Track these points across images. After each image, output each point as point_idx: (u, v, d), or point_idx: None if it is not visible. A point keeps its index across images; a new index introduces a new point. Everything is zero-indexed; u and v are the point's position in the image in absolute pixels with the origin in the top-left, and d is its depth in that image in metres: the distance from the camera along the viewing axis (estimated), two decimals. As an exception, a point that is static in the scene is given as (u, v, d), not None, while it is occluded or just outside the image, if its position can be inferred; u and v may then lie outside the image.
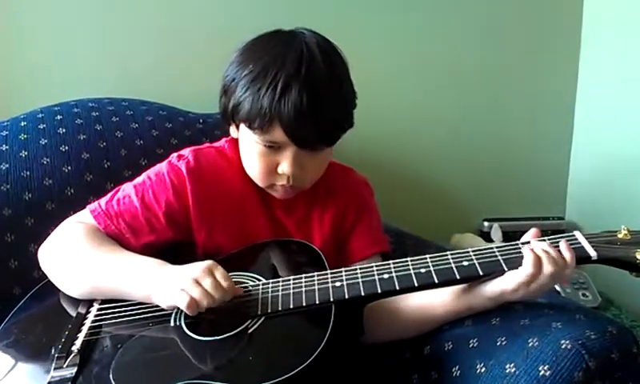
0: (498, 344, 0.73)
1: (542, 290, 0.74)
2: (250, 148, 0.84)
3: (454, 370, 0.76)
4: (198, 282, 0.70)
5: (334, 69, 0.82)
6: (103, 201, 0.86)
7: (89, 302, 0.79)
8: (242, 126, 0.83)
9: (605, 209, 1.56)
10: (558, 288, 1.35)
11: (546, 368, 0.67)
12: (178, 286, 0.71)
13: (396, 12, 1.44)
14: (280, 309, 0.72)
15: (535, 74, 1.61)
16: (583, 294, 1.37)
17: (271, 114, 0.77)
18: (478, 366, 0.73)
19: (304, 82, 0.77)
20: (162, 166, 0.88)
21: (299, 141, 0.79)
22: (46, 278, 0.84)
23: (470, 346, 0.76)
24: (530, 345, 0.70)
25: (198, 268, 0.72)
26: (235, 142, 0.90)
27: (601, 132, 1.60)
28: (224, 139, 0.93)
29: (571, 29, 1.60)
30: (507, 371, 0.69)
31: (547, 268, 0.72)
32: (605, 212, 1.56)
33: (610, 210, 1.53)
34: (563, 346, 0.68)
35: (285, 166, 0.81)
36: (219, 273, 0.72)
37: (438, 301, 0.80)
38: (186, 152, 0.89)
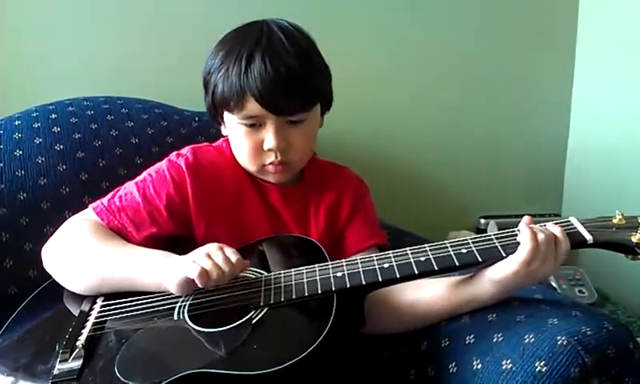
0: (495, 340, 0.73)
1: (542, 271, 0.73)
2: (236, 133, 0.86)
3: (450, 366, 0.76)
4: (209, 255, 0.73)
5: (294, 38, 0.85)
6: (105, 199, 0.87)
7: (92, 300, 0.80)
8: (225, 114, 0.87)
9: (601, 205, 1.56)
10: (554, 284, 1.35)
11: (542, 364, 0.67)
12: (188, 260, 0.73)
13: (392, 11, 1.44)
14: (282, 299, 0.72)
15: (531, 72, 1.61)
16: (579, 291, 1.37)
17: (241, 87, 0.81)
18: (474, 363, 0.73)
19: (265, 50, 0.81)
20: (162, 164, 0.90)
21: (272, 107, 0.82)
22: (45, 278, 0.84)
23: (467, 342, 0.76)
24: (527, 341, 0.70)
25: (207, 245, 0.75)
26: None
27: (597, 129, 1.60)
28: (221, 139, 0.95)
29: (567, 26, 1.60)
30: (503, 367, 0.69)
31: (544, 241, 0.72)
32: (601, 209, 1.56)
33: (606, 206, 1.52)
34: (559, 342, 0.68)
35: (269, 140, 0.84)
36: (229, 249, 0.75)
37: (436, 294, 0.80)
38: (185, 150, 0.92)
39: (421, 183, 1.58)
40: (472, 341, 0.76)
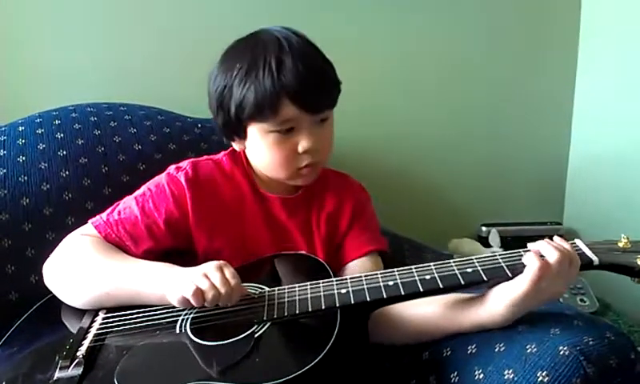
0: (497, 350, 0.73)
1: (552, 290, 0.73)
2: (267, 144, 0.85)
3: (452, 375, 0.76)
4: (206, 276, 0.72)
5: (305, 39, 0.87)
6: (104, 213, 0.88)
7: (93, 313, 0.80)
8: (252, 126, 0.85)
9: (602, 214, 1.56)
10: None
11: (544, 374, 0.67)
12: (187, 278, 0.73)
13: (393, 13, 1.44)
14: (286, 314, 0.72)
15: (532, 79, 1.61)
16: (581, 300, 1.37)
17: (277, 91, 0.81)
18: (476, 372, 0.73)
19: (293, 53, 0.82)
20: (162, 178, 0.90)
21: (308, 106, 0.82)
22: (47, 290, 0.84)
23: (469, 351, 0.76)
24: (529, 351, 0.70)
25: (208, 264, 0.75)
26: (234, 155, 0.93)
27: (599, 137, 1.60)
28: (222, 153, 0.95)
29: (568, 32, 1.61)
30: (505, 377, 0.69)
31: (552, 255, 0.72)
32: (602, 217, 1.56)
33: (608, 215, 1.53)
34: (561, 352, 0.68)
35: (304, 142, 0.84)
36: (228, 271, 0.74)
37: (442, 316, 0.79)
38: (185, 164, 0.91)
39: (422, 191, 1.58)
40: (474, 350, 0.76)
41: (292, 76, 0.80)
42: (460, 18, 1.51)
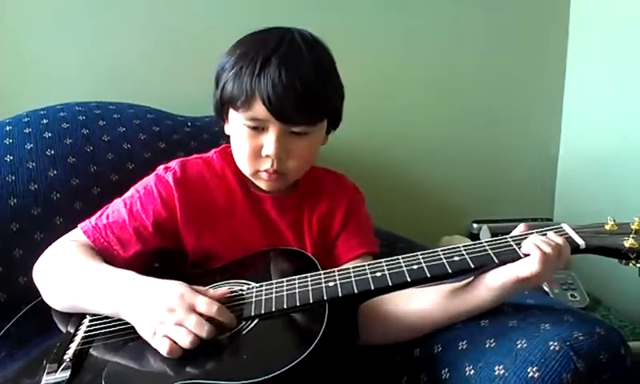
0: (487, 346, 0.73)
1: (545, 278, 0.73)
2: (238, 134, 0.86)
3: (443, 372, 0.76)
4: (180, 324, 0.67)
5: (315, 51, 0.85)
6: (93, 218, 0.87)
7: (80, 316, 0.79)
8: (231, 112, 0.86)
9: (592, 209, 1.57)
10: (546, 289, 1.36)
11: (534, 370, 0.67)
12: (159, 328, 0.68)
13: (388, 14, 1.45)
14: (274, 309, 0.71)
15: (523, 77, 1.62)
16: (571, 295, 1.37)
17: (251, 89, 0.81)
18: (467, 368, 0.73)
19: (282, 58, 0.81)
20: (150, 179, 0.89)
21: (278, 114, 0.81)
22: (35, 286, 0.83)
23: (459, 348, 0.76)
24: (519, 346, 0.70)
25: (175, 302, 0.68)
26: (224, 152, 0.92)
27: (588, 133, 1.61)
28: (213, 150, 0.95)
29: (558, 29, 1.61)
30: (496, 373, 0.69)
31: (551, 253, 0.71)
32: (592, 213, 1.56)
33: (598, 210, 1.54)
34: (552, 348, 0.68)
35: (268, 146, 0.83)
36: (201, 302, 0.69)
37: (434, 305, 0.79)
38: (173, 164, 0.91)
39: (414, 188, 1.58)
40: (465, 347, 0.76)
41: (269, 79, 0.79)
42: (451, 19, 1.51)
